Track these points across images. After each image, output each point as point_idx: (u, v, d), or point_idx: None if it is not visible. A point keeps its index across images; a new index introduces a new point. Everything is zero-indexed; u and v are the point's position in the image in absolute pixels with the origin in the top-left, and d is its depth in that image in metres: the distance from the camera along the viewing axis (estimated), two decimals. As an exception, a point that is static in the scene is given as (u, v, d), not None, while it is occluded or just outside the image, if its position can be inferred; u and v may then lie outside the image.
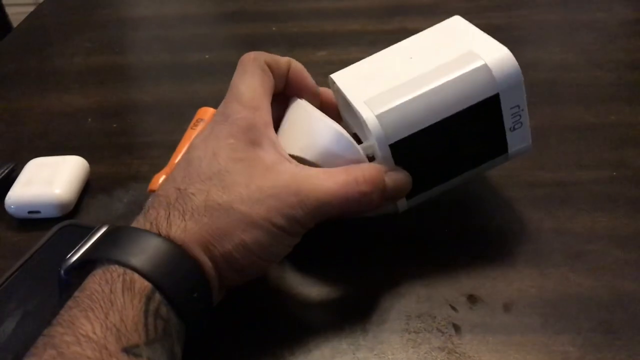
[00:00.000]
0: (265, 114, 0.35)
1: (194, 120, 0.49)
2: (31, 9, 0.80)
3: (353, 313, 0.35)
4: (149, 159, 0.49)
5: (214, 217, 0.30)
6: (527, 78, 0.57)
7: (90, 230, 0.40)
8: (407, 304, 0.35)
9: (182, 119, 0.51)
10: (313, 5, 0.72)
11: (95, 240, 0.31)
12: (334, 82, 0.39)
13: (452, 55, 0.36)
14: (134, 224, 0.31)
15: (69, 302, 0.28)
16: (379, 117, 0.34)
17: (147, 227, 0.30)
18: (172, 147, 0.47)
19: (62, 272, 0.30)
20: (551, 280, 0.36)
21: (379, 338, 0.34)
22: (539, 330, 0.33)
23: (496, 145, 0.37)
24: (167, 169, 0.45)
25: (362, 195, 0.33)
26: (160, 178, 0.44)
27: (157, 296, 0.28)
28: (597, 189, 0.43)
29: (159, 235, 0.30)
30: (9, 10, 1.80)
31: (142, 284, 0.28)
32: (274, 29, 0.68)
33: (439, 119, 0.34)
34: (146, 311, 0.27)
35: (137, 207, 0.43)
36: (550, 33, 0.63)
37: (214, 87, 0.58)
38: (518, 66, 0.36)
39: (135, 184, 0.46)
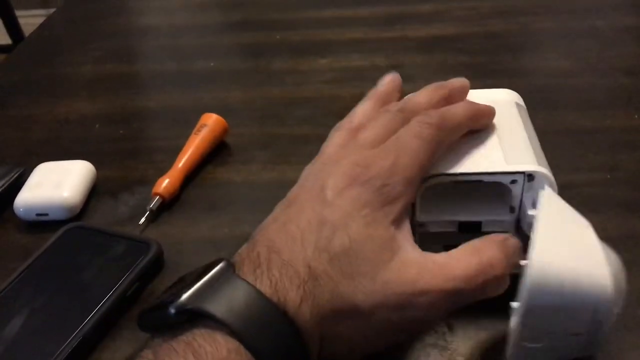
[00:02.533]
0: (412, 193, 0.31)
1: (197, 126, 0.51)
2: (42, 19, 0.82)
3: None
4: (154, 164, 0.50)
5: (336, 313, 0.28)
6: (525, 84, 0.59)
7: (96, 233, 0.42)
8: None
9: (186, 124, 0.52)
10: (315, 14, 0.74)
11: (211, 281, 0.28)
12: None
13: None
14: (258, 285, 0.27)
15: None
16: (540, 165, 0.33)
17: (275, 299, 0.27)
18: (176, 152, 0.49)
19: (171, 310, 0.27)
20: (543, 280, 0.37)
21: (373, 335, 0.34)
22: (530, 328, 0.34)
23: None
24: (170, 173, 0.47)
25: (498, 280, 0.29)
26: (164, 182, 0.46)
27: None
28: (591, 191, 0.43)
29: (292, 324, 0.27)
30: (22, 21, 1.83)
31: None
32: (277, 37, 0.70)
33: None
34: None
35: (142, 210, 0.45)
36: (548, 40, 0.64)
37: (218, 94, 0.60)
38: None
39: (141, 187, 0.48)
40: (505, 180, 0.33)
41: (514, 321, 0.29)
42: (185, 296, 0.27)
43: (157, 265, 0.40)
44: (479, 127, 0.36)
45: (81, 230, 0.42)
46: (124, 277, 0.38)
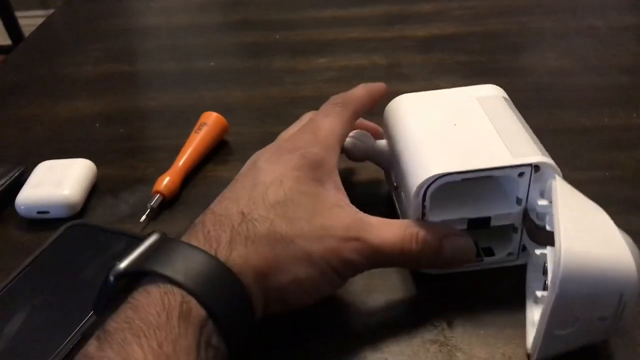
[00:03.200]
0: (334, 156, 0.35)
1: (197, 125, 0.51)
2: (42, 20, 0.82)
3: (348, 308, 0.36)
4: (154, 162, 0.50)
5: (275, 248, 0.30)
6: (524, 83, 0.59)
7: (97, 230, 0.42)
8: (402, 298, 0.36)
9: (186, 123, 0.52)
10: (315, 14, 0.74)
11: (147, 249, 0.30)
12: (444, 173, 0.33)
13: (475, 107, 0.38)
14: (192, 241, 0.30)
15: (121, 323, 0.26)
16: (544, 156, 0.34)
17: (207, 247, 0.30)
18: (176, 151, 0.49)
19: (111, 277, 0.29)
20: (542, 277, 0.37)
21: (373, 332, 0.35)
22: (529, 324, 0.34)
23: None
24: (171, 171, 0.47)
25: (414, 252, 0.33)
26: (165, 180, 0.46)
27: (210, 325, 0.28)
28: (590, 189, 0.43)
29: (219, 260, 0.29)
30: (22, 22, 1.83)
31: (198, 312, 0.27)
32: (277, 37, 0.70)
33: None
34: (199, 341, 0.27)
35: (143, 207, 0.45)
36: (546, 39, 0.64)
37: (218, 93, 0.60)
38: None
39: (141, 185, 0.48)
40: (514, 173, 0.34)
41: (542, 309, 0.30)
42: (122, 264, 0.29)
43: (158, 262, 0.40)
44: (375, 99, 0.41)
45: (82, 228, 0.43)
46: (124, 275, 0.38)
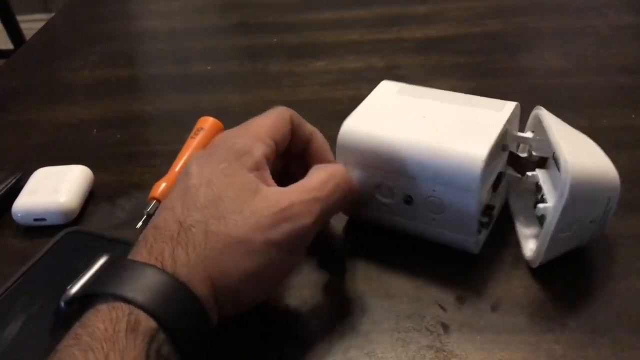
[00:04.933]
0: (264, 147, 0.35)
1: (194, 130, 0.51)
2: (43, 24, 0.83)
3: (344, 313, 0.36)
4: (151, 168, 0.50)
5: (215, 249, 0.31)
6: (522, 83, 0.58)
7: (94, 237, 0.42)
8: (397, 304, 0.36)
9: (183, 128, 0.52)
10: (313, 16, 0.74)
11: (97, 271, 0.31)
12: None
13: (410, 100, 0.40)
14: (137, 257, 0.30)
15: (70, 340, 0.27)
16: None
17: (152, 262, 0.30)
18: (173, 156, 0.49)
19: (62, 303, 0.30)
20: (538, 281, 0.37)
21: (369, 337, 0.34)
22: (526, 329, 0.34)
23: None
24: (167, 177, 0.47)
25: (344, 198, 0.35)
26: (161, 185, 0.46)
27: (161, 335, 0.28)
28: (588, 191, 0.43)
29: (165, 272, 0.29)
30: (23, 26, 1.84)
31: (147, 324, 0.28)
32: (274, 40, 0.70)
33: None
34: (148, 351, 0.27)
35: (139, 214, 0.45)
36: (544, 39, 0.64)
37: (215, 97, 0.60)
38: None
39: (138, 192, 0.48)
40: (509, 122, 0.38)
41: (549, 217, 0.35)
42: (72, 290, 0.31)
43: (154, 269, 0.40)
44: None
45: (79, 235, 0.43)
46: (120, 282, 0.38)
